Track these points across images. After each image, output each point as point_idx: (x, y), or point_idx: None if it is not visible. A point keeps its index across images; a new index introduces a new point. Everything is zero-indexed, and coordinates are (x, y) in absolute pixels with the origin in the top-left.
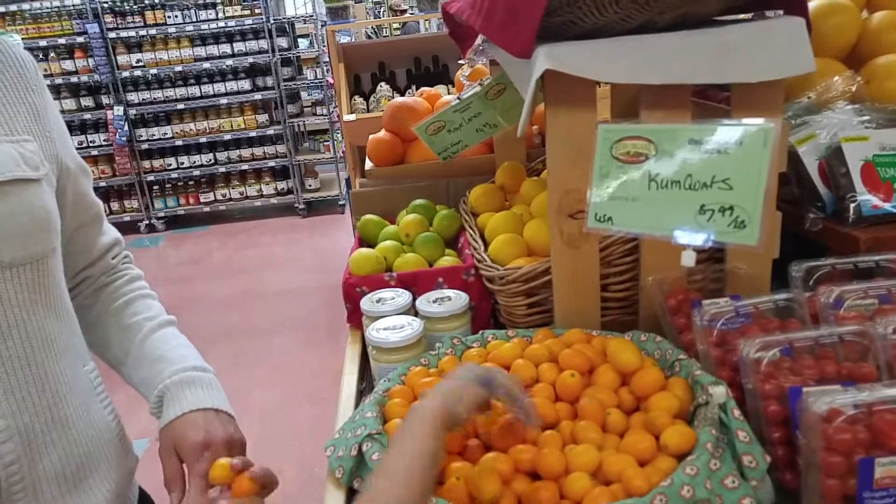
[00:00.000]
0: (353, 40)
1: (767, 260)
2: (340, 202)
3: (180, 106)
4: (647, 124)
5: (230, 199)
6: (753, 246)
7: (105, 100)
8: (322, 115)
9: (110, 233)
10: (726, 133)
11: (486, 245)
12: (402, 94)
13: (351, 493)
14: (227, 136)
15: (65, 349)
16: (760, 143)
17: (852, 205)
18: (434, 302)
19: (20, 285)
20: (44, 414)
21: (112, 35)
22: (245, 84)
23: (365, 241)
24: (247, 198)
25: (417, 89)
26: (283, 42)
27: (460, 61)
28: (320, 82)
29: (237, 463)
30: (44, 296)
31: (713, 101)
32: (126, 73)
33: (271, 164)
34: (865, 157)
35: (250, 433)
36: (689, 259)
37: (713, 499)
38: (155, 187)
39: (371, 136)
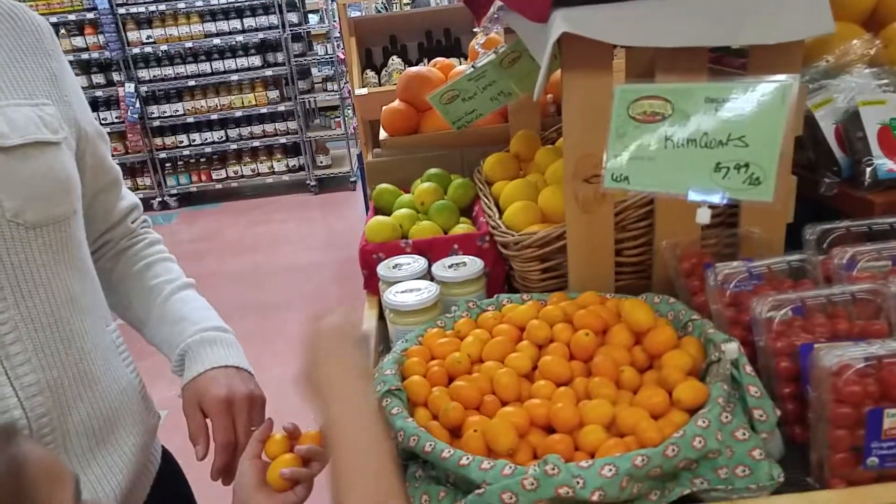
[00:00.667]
0: (364, 14)
1: (781, 224)
2: (352, 178)
3: (191, 83)
4: (663, 84)
5: (242, 176)
6: (769, 202)
7: (116, 76)
8: (333, 90)
9: (129, 197)
10: (743, 90)
11: (501, 213)
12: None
13: None
14: (239, 113)
15: (88, 308)
16: (779, 100)
17: (868, 168)
18: (450, 267)
19: (44, 245)
20: (71, 370)
21: (122, 11)
22: (256, 60)
23: (380, 209)
24: (258, 175)
25: (430, 61)
26: (293, 17)
27: (475, 29)
28: (331, 58)
29: (290, 426)
30: (66, 256)
31: (730, 67)
32: (137, 50)
33: (282, 140)
34: (882, 121)
35: (269, 405)
36: (704, 216)
37: (724, 450)
38: (167, 164)
39: (385, 107)
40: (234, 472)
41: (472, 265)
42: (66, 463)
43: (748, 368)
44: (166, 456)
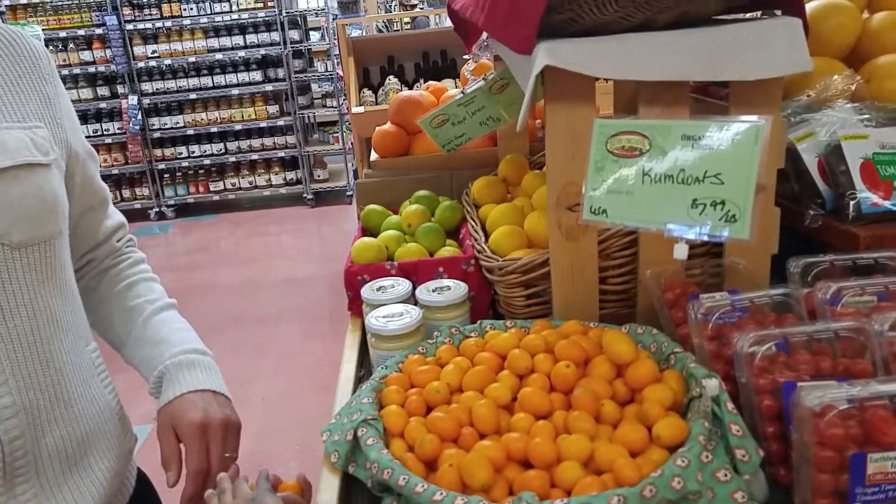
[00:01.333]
0: (364, 34)
1: (766, 255)
2: (348, 193)
3: (193, 96)
4: (641, 120)
5: (239, 188)
6: (745, 240)
7: (120, 89)
8: (332, 106)
9: (115, 216)
10: (718, 130)
11: (487, 236)
12: (411, 88)
13: (346, 478)
14: (238, 126)
15: (69, 328)
16: (752, 140)
17: (852, 202)
18: (434, 291)
19: (28, 265)
20: (48, 391)
21: (130, 27)
22: (257, 75)
23: (368, 230)
24: (256, 187)
25: (425, 83)
26: (294, 35)
27: (465, 56)
28: (331, 75)
29: (272, 477)
30: (50, 276)
31: (715, 97)
32: (142, 64)
33: (281, 154)
34: (865, 155)
35: (255, 422)
36: (681, 252)
37: (704, 491)
38: (166, 175)
39: (377, 129)
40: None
41: (457, 289)
42: None
43: (730, 406)
44: (141, 478)
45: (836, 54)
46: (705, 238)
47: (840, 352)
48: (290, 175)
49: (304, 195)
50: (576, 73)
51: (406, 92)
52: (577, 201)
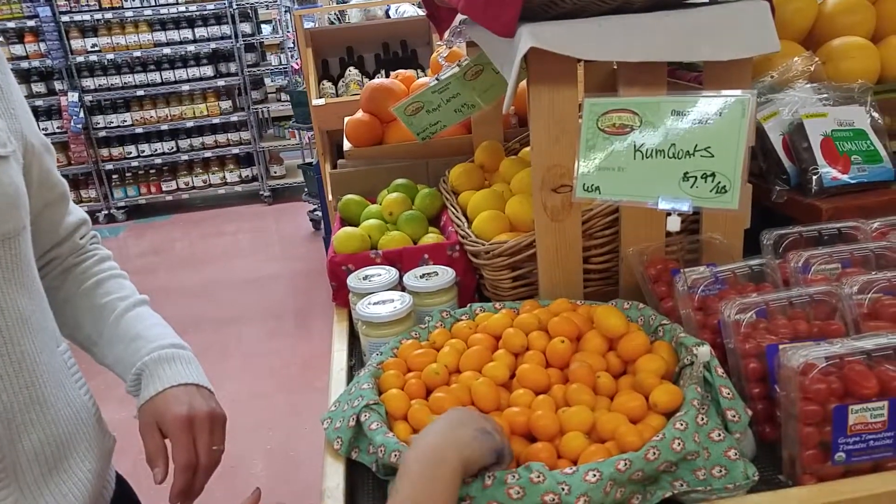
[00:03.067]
0: (316, 25)
1: (740, 230)
2: (307, 189)
3: (140, 92)
4: (631, 97)
5: (193, 188)
6: (735, 209)
7: (58, 85)
8: (286, 101)
9: (76, 213)
10: (707, 104)
11: (469, 222)
12: (371, 79)
13: (349, 463)
14: (190, 123)
15: (39, 328)
16: (739, 113)
17: (814, 177)
18: (421, 277)
19: None
20: (22, 394)
21: (65, 18)
22: (208, 70)
23: (347, 220)
24: (210, 185)
25: (386, 74)
26: (246, 27)
27: (438, 43)
28: (284, 68)
29: None
30: (17, 274)
31: (682, 80)
32: (81, 59)
33: (235, 151)
34: (825, 132)
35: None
36: (674, 224)
37: (701, 451)
38: (114, 176)
39: (349, 118)
40: (195, 494)
41: (444, 275)
42: None
43: (720, 370)
44: (120, 480)
45: (795, 37)
46: (696, 210)
47: (813, 315)
48: (246, 172)
49: (261, 192)
50: (559, 55)
51: (377, 80)
52: (561, 183)
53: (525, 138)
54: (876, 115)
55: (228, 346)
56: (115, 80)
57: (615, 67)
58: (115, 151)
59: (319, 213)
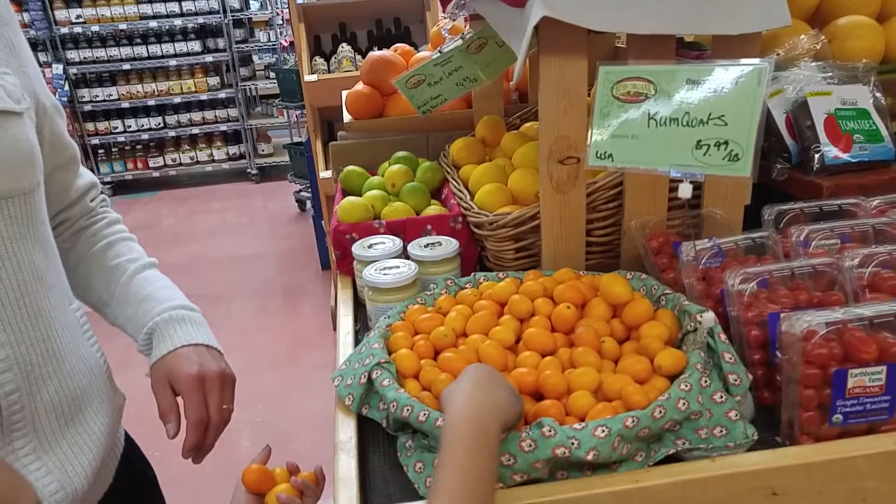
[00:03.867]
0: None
1: (740, 205)
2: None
3: (126, 66)
4: (646, 65)
5: (180, 164)
6: (747, 177)
7: (42, 57)
8: (274, 78)
9: (86, 175)
10: (723, 73)
11: (471, 195)
12: (364, 56)
13: (360, 420)
14: (177, 99)
15: (53, 284)
16: (755, 82)
17: (816, 155)
18: (425, 247)
19: (9, 218)
20: (39, 346)
21: None
22: (195, 45)
23: (348, 192)
24: (197, 163)
25: (380, 50)
26: (234, 2)
27: (442, 16)
28: (273, 45)
29: (291, 464)
30: (32, 230)
31: (686, 59)
32: (65, 30)
33: (223, 128)
34: (828, 111)
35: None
36: (685, 191)
37: (704, 412)
38: (100, 151)
39: (349, 90)
40: (206, 450)
41: (448, 245)
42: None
43: (723, 336)
44: (128, 439)
45: (801, 15)
46: (705, 176)
47: (814, 286)
48: (233, 150)
49: (249, 170)
50: (569, 26)
51: (378, 52)
52: (568, 154)
53: (525, 114)
54: (879, 94)
55: (216, 322)
56: (101, 53)
57: (618, 45)
58: (101, 126)
59: (305, 194)
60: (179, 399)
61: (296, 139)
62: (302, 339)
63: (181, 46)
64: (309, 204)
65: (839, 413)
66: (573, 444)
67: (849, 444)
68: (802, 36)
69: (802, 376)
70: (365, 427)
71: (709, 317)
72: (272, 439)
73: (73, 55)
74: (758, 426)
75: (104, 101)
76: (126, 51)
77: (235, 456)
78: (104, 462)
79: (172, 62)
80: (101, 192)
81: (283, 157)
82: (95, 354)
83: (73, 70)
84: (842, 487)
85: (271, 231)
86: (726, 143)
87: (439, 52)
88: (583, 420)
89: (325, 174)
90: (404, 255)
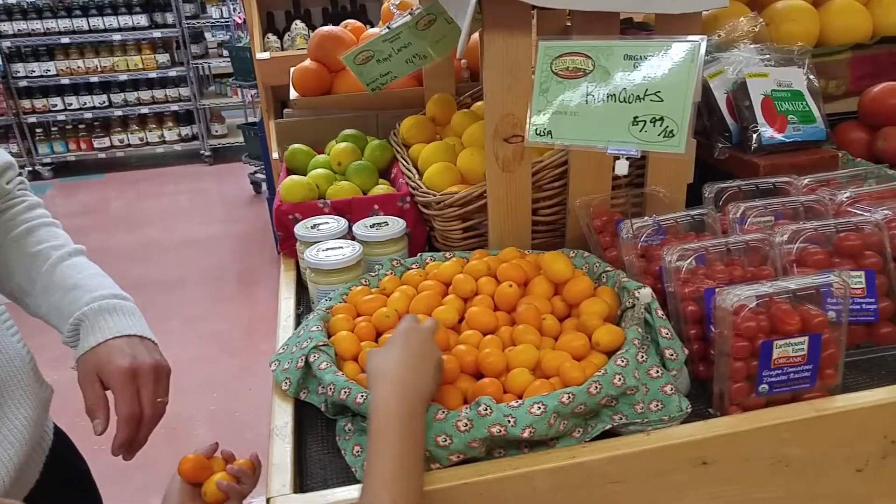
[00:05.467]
0: None
1: (683, 184)
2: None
3: (65, 40)
4: (585, 40)
5: (128, 145)
6: (681, 153)
7: None
8: (228, 56)
9: (2, 155)
10: (658, 49)
11: (420, 174)
12: None
13: (297, 404)
14: (124, 77)
15: None
16: (690, 58)
17: (754, 134)
18: (371, 227)
19: None
20: None
21: None
22: (141, 19)
23: (293, 170)
24: (147, 144)
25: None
26: None
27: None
28: (226, 22)
29: (227, 452)
30: None
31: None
32: None
33: (174, 107)
34: (765, 92)
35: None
36: (622, 168)
37: (640, 387)
38: (38, 130)
39: (296, 66)
40: (138, 446)
41: (395, 225)
42: None
43: (660, 312)
44: (59, 432)
45: None
46: (642, 152)
47: (748, 262)
48: (186, 130)
49: (202, 152)
50: (514, 2)
51: (326, 28)
52: (514, 133)
53: (477, 92)
54: (812, 77)
55: (169, 308)
56: (37, 25)
57: (569, 24)
58: (39, 103)
59: (260, 176)
60: (110, 394)
61: (251, 119)
62: (257, 325)
63: (126, 20)
64: (264, 186)
65: (765, 383)
66: (509, 421)
67: (773, 412)
68: (742, 18)
69: (732, 349)
70: (304, 412)
71: (646, 293)
72: (227, 427)
73: (5, 27)
74: (693, 399)
75: (41, 76)
76: (64, 23)
77: (190, 446)
78: (30, 456)
79: (117, 36)
80: (20, 175)
81: (238, 138)
82: (17, 346)
83: (6, 43)
84: (767, 454)
85: (226, 214)
86: (662, 119)
87: (387, 27)
88: (521, 398)
89: (278, 155)
90: (349, 235)
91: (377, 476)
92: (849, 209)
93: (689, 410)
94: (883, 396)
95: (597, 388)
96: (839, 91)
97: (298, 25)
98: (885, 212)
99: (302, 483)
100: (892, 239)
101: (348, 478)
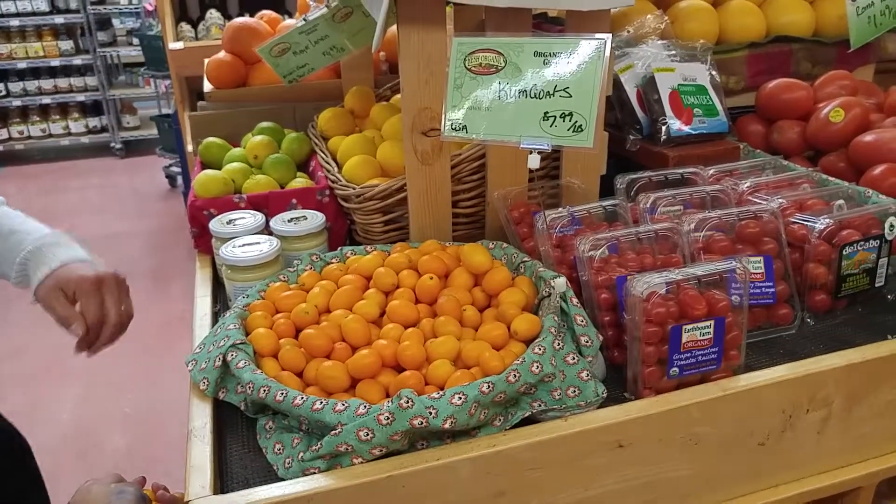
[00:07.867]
0: None
1: (596, 175)
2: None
3: None
4: (496, 37)
5: (29, 137)
6: (590, 148)
7: None
8: (139, 44)
9: None
10: (567, 46)
11: (339, 167)
12: None
13: (216, 404)
14: (22, 64)
15: None
16: (596, 56)
17: (663, 127)
18: (289, 221)
19: None
20: None
21: None
22: (41, 4)
23: (208, 165)
24: (51, 136)
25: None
26: None
27: None
28: (136, 8)
29: (158, 484)
30: None
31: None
32: None
33: (80, 98)
34: (673, 86)
35: (77, 389)
36: (534, 162)
37: (557, 374)
38: None
39: (210, 58)
40: (102, 346)
41: (314, 219)
42: None
43: (575, 301)
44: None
45: None
46: (554, 147)
47: (658, 250)
48: (94, 122)
49: (112, 144)
50: None
51: (241, 19)
52: (431, 126)
53: (396, 85)
54: (714, 73)
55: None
56: None
57: (484, 18)
58: None
59: (175, 169)
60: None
61: (165, 111)
62: (172, 324)
63: (24, 4)
64: (180, 179)
65: (675, 366)
66: (431, 413)
67: (683, 394)
68: (649, 16)
69: (644, 334)
70: (224, 412)
71: (560, 282)
72: (141, 430)
73: None
74: (609, 384)
75: None
76: None
77: (104, 455)
78: None
79: (14, 21)
80: None
81: (151, 130)
82: None
83: None
84: (678, 434)
85: (139, 209)
86: (571, 114)
87: (304, 19)
88: (442, 388)
89: (193, 148)
90: (267, 230)
91: None
92: (749, 198)
93: (605, 395)
94: (781, 374)
95: (515, 376)
96: (738, 86)
97: (213, 15)
98: (780, 200)
99: (223, 484)
100: (787, 226)
101: (270, 476)
